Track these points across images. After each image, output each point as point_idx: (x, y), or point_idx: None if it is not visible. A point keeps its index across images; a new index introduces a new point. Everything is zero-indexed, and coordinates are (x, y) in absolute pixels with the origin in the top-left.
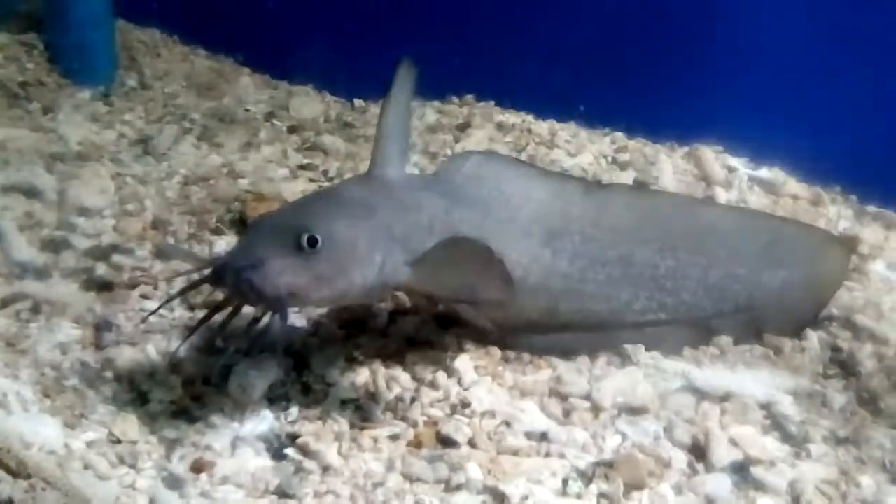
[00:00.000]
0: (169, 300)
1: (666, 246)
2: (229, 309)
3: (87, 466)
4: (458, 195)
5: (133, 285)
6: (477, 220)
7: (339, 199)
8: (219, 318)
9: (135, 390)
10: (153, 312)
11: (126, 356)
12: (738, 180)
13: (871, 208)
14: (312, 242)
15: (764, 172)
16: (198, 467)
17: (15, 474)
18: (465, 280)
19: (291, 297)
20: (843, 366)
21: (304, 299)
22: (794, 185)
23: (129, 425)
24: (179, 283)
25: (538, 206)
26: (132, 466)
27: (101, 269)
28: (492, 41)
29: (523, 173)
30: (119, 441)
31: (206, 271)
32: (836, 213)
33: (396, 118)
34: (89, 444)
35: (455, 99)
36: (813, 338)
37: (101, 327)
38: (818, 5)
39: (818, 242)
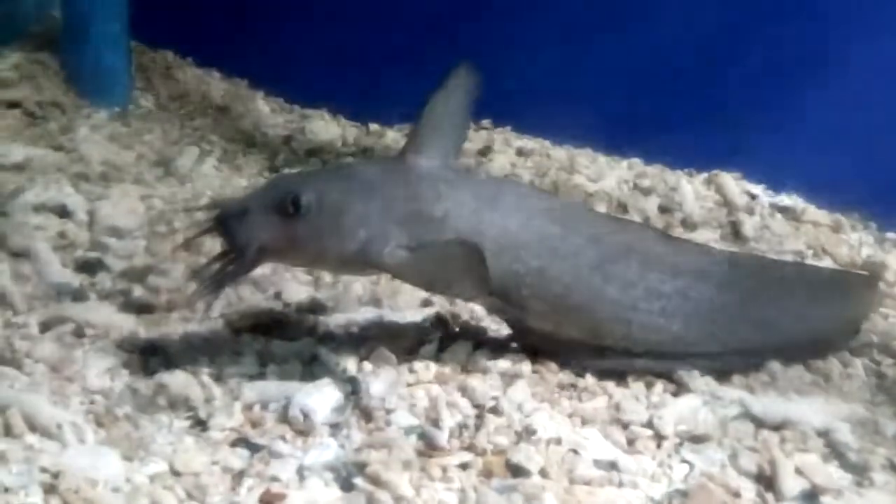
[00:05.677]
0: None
1: (728, 282)
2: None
3: (154, 503)
4: (499, 201)
5: (171, 308)
6: (509, 227)
7: (346, 173)
8: None
9: (192, 417)
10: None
11: (178, 381)
12: (759, 207)
13: (891, 234)
14: (296, 205)
15: (783, 199)
16: (268, 500)
17: None
18: (444, 277)
19: (263, 251)
20: (889, 392)
21: (276, 256)
22: (813, 212)
23: (190, 456)
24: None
25: (598, 232)
26: (201, 502)
27: (138, 291)
28: (510, 67)
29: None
30: (181, 473)
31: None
32: (858, 239)
33: (442, 111)
34: (152, 479)
35: (472, 124)
36: (857, 364)
37: (148, 351)
38: (834, 35)
39: (850, 282)
